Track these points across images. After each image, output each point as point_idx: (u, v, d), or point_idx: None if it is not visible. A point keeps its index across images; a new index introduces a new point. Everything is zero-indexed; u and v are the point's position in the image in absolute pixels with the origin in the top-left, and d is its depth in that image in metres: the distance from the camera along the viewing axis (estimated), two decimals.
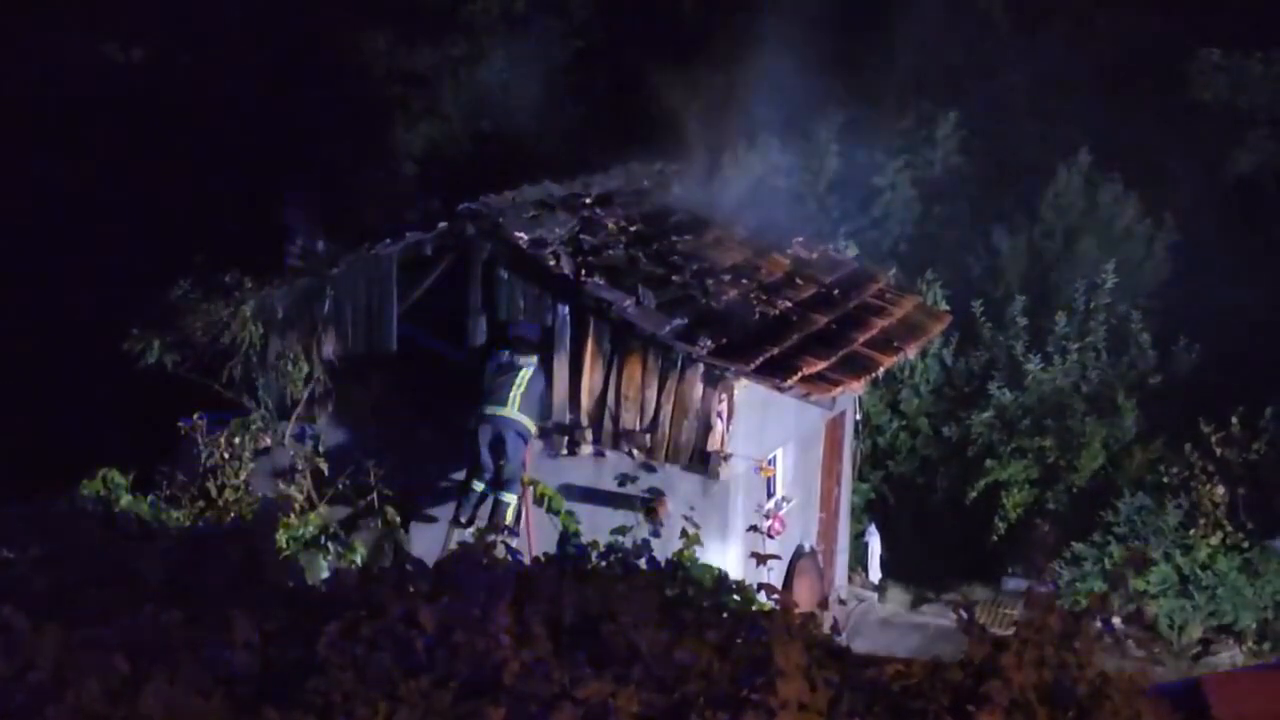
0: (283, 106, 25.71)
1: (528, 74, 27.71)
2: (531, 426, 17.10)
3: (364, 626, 6.71)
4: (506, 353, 17.17)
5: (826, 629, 7.30)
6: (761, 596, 7.89)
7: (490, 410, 17.01)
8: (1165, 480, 20.15)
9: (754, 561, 8.84)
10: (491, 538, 7.77)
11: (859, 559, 21.70)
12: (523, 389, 17.03)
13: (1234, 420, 19.94)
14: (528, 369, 17.11)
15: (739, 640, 6.97)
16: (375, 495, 17.13)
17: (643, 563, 8.34)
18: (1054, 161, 23.90)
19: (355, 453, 17.77)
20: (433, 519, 17.86)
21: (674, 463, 16.98)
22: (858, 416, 21.32)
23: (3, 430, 21.23)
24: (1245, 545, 19.55)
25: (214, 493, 16.97)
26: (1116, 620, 19.44)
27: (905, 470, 22.40)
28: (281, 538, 14.90)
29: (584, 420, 17.31)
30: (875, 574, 21.47)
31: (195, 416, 17.42)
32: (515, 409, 17.03)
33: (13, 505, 11.37)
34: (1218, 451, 19.87)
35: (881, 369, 18.43)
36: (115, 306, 19.68)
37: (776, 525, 17.70)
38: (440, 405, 17.95)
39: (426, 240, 17.91)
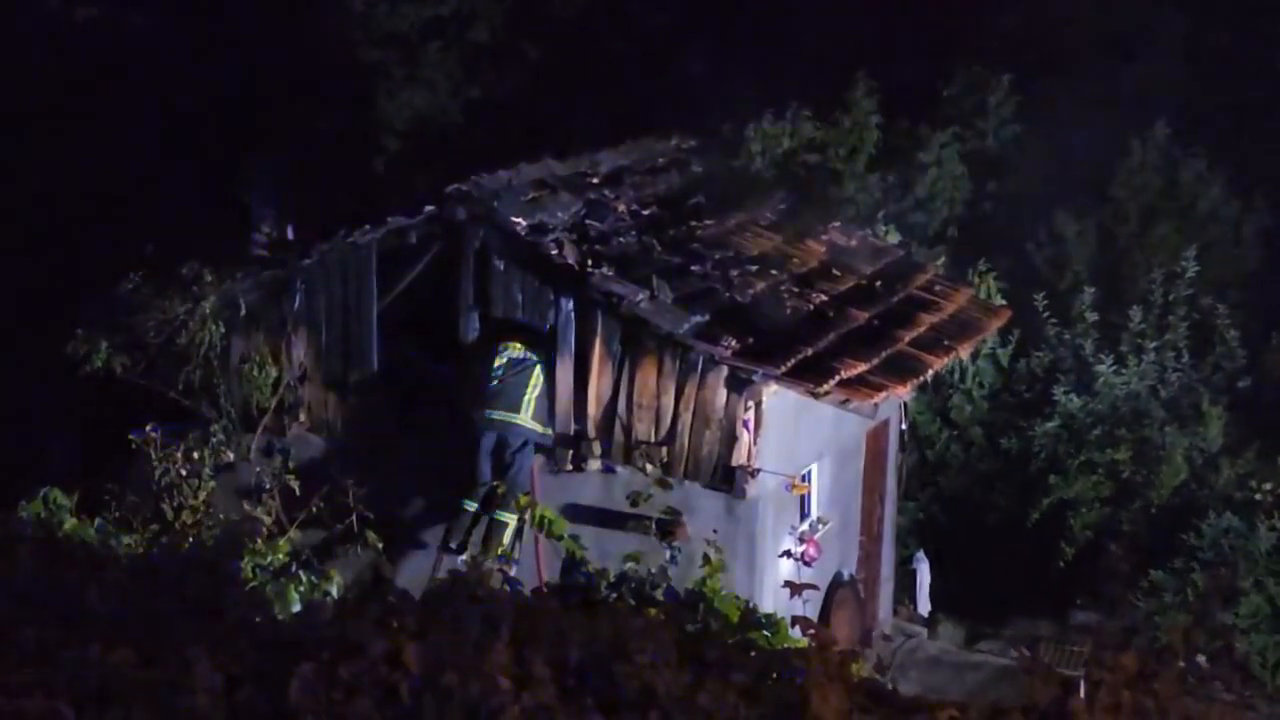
0: (247, 75, 25.73)
1: (525, 34, 27.71)
2: (549, 432, 17.20)
3: (341, 668, 6.72)
4: (517, 347, 17.22)
5: (869, 669, 7.30)
6: (795, 632, 7.89)
7: (498, 416, 17.06)
8: (1257, 498, 20.11)
9: (786, 592, 8.84)
10: (487, 564, 7.78)
11: (906, 589, 21.68)
12: (538, 391, 17.12)
13: None
14: (540, 368, 17.19)
15: (769, 682, 6.98)
16: (354, 517, 17.15)
17: (659, 593, 8.36)
18: (1127, 133, 23.86)
19: (331, 469, 17.79)
20: (420, 544, 17.88)
21: (694, 479, 16.99)
22: (903, 426, 21.31)
23: None
24: None
25: (170, 515, 16.97)
26: (1201, 658, 19.38)
27: (958, 487, 22.38)
28: (247, 566, 14.89)
29: (591, 431, 17.32)
30: (924, 606, 21.46)
31: (148, 428, 17.44)
32: (530, 414, 17.10)
33: None
34: None
35: (930, 371, 18.42)
36: (56, 303, 19.71)
37: (811, 550, 17.66)
38: (428, 414, 17.98)
39: (411, 226, 17.93)
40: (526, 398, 17.14)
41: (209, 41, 26.07)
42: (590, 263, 17.27)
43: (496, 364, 17.27)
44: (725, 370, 16.72)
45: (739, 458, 16.85)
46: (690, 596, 8.52)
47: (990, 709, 6.75)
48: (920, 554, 21.59)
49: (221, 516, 17.12)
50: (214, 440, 17.94)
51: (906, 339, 18.20)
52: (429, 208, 17.83)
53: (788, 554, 14.71)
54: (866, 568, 20.39)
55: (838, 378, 16.66)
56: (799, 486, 17.85)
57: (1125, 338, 21.76)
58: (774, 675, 7.04)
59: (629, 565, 8.98)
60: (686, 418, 16.96)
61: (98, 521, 15.04)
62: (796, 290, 18.33)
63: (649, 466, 17.05)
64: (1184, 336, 21.82)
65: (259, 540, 15.97)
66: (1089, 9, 25.83)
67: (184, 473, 17.42)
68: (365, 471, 17.42)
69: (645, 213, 19.14)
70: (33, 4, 26.93)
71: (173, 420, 18.08)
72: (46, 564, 8.61)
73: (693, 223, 19.14)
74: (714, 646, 7.40)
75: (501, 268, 17.51)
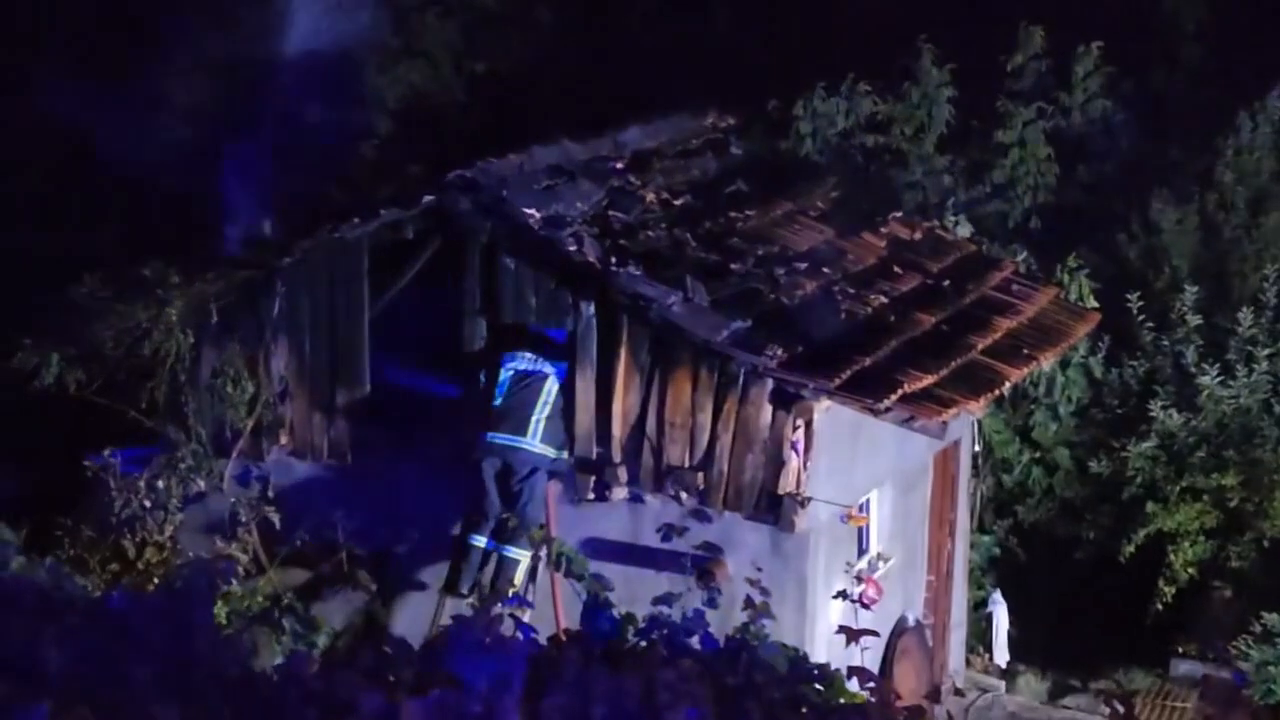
0: (219, 44, 25.79)
1: None
2: (563, 455, 17.23)
3: None
4: (526, 357, 17.25)
5: None
6: (852, 685, 7.90)
7: (502, 440, 17.09)
8: None
9: (842, 639, 8.85)
10: (496, 608, 7.79)
11: (980, 635, 21.66)
12: (548, 409, 17.13)
13: None
14: (554, 379, 17.21)
15: None
16: (343, 555, 17.19)
17: (695, 641, 8.36)
18: (1234, 107, 23.84)
19: (317, 499, 17.84)
20: (420, 585, 17.91)
21: (735, 510, 17.01)
22: (977, 447, 21.31)
23: None
24: None
25: (132, 552, 17.05)
26: None
27: (1040, 518, 22.36)
28: (221, 611, 14.95)
29: (616, 455, 17.34)
30: (1001, 655, 21.45)
31: (106, 453, 17.50)
32: (538, 437, 17.12)
33: None
34: None
35: (1008, 384, 18.41)
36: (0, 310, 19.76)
37: (871, 591, 17.67)
38: (428, 435, 18.01)
39: (407, 219, 17.98)
40: (535, 417, 17.15)
41: (174, 9, 26.12)
42: (614, 260, 17.29)
43: (501, 378, 17.29)
44: (770, 384, 16.73)
45: (787, 485, 16.85)
46: (731, 645, 8.52)
47: None
48: (997, 595, 21.57)
49: (191, 554, 17.17)
50: (182, 467, 17.99)
51: (980, 347, 18.19)
52: (428, 197, 17.87)
53: (843, 595, 14.72)
54: (935, 611, 20.39)
55: (900, 392, 16.65)
56: (856, 518, 17.84)
57: (1233, 344, 21.72)
58: None
59: (660, 609, 8.99)
60: (726, 439, 16.97)
61: (49, 560, 15.10)
62: (852, 291, 18.33)
63: (683, 495, 17.07)
64: None
65: (234, 582, 16.05)
66: None
67: (148, 504, 17.49)
68: (356, 502, 17.47)
69: (677, 202, 19.16)
70: None
71: (135, 444, 18.13)
72: None
73: (732, 214, 19.15)
74: (759, 702, 7.41)
75: (512, 266, 17.54)
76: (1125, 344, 22.31)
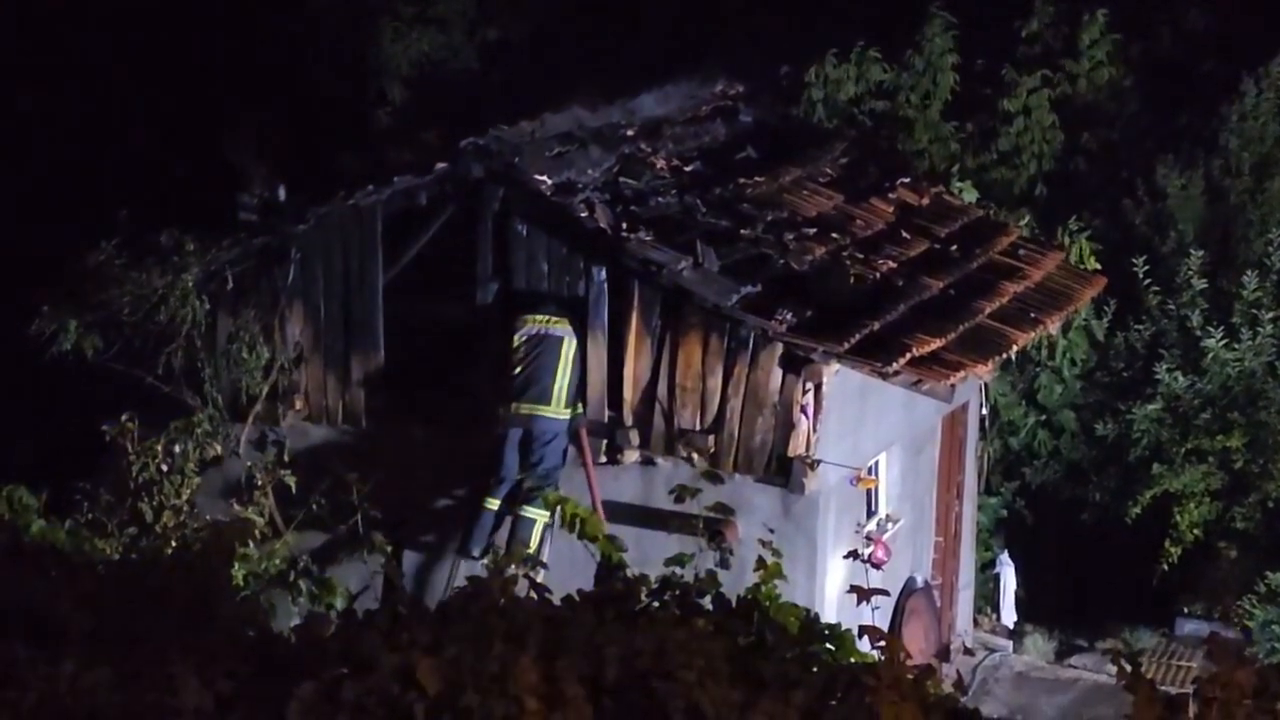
0: (235, 15, 25.76)
1: None
2: (580, 410, 17.21)
3: (346, 687, 6.74)
4: (537, 321, 17.20)
5: (947, 686, 7.30)
6: (863, 644, 7.91)
7: (526, 409, 17.07)
8: None
9: (852, 599, 8.85)
10: (511, 569, 7.79)
11: (988, 596, 21.66)
12: (569, 374, 17.10)
13: None
14: (570, 339, 17.16)
15: (834, 701, 6.99)
16: (359, 517, 17.19)
17: (707, 601, 8.36)
18: (1239, 73, 23.76)
19: (332, 463, 17.84)
20: (435, 547, 17.91)
21: (746, 472, 17.00)
22: (984, 410, 21.28)
23: None
24: None
25: (149, 516, 17.05)
26: None
27: (1047, 480, 22.34)
28: (238, 573, 14.97)
29: (628, 418, 17.34)
30: (1009, 615, 21.44)
31: (124, 418, 17.49)
32: (562, 404, 17.11)
33: None
34: None
35: (1014, 348, 18.39)
36: (18, 277, 19.75)
37: (880, 552, 17.67)
38: (441, 400, 18.01)
39: (420, 186, 17.95)
40: (557, 384, 17.11)
41: None
42: (625, 226, 17.27)
43: (515, 344, 17.25)
44: (780, 348, 16.72)
45: (796, 448, 16.85)
46: (743, 605, 8.52)
47: None
48: (1004, 556, 21.55)
49: (208, 518, 17.17)
50: (199, 431, 17.98)
51: (987, 311, 18.17)
52: (441, 165, 17.85)
53: (853, 556, 14.73)
54: (943, 572, 20.39)
55: (909, 355, 16.64)
56: (865, 480, 17.84)
57: (1238, 307, 21.67)
58: (839, 694, 7.05)
59: (673, 570, 8.99)
60: (736, 402, 16.96)
61: (69, 524, 15.13)
62: (861, 256, 18.30)
63: (694, 458, 17.05)
64: None
65: (251, 544, 16.06)
66: None
67: (165, 468, 17.48)
68: (371, 466, 17.46)
69: (687, 169, 19.13)
70: None
71: (152, 409, 18.13)
72: (12, 571, 8.67)
73: (742, 180, 19.11)
74: (770, 661, 7.41)
75: (524, 232, 17.52)
76: (1131, 308, 22.27)
